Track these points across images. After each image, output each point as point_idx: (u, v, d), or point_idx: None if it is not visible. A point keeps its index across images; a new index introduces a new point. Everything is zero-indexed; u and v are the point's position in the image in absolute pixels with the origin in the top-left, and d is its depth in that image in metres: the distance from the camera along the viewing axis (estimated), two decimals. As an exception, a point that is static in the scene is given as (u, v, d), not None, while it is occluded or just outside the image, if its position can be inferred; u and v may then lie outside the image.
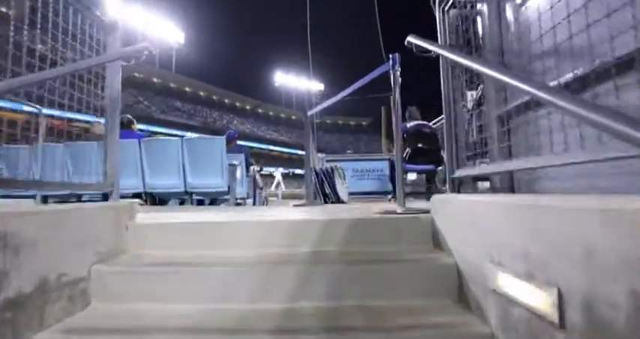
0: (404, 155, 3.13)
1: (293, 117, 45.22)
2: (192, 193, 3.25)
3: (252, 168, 4.20)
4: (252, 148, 35.53)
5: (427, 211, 1.68)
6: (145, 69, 34.10)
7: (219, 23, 43.05)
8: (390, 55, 1.90)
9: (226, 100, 41.57)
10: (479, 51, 1.43)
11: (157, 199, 3.32)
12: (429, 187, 3.52)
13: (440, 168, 3.32)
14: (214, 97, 40.46)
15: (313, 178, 3.25)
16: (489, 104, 1.34)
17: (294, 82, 46.53)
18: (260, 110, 44.87)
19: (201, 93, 39.32)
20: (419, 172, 3.42)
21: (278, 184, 16.73)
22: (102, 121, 1.51)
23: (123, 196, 3.31)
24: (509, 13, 1.27)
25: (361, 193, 4.57)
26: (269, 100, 45.48)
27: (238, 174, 3.40)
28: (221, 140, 3.21)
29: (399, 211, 1.72)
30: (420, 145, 3.21)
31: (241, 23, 47.19)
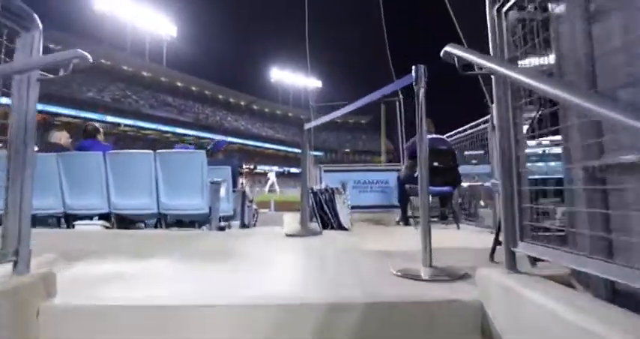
0: (414, 175, 2.65)
1: (290, 114, 44.54)
2: (166, 215, 2.79)
3: (240, 181, 3.74)
4: (246, 145, 34.96)
5: (463, 276, 1.27)
6: (134, 62, 33.10)
7: (213, 16, 42.08)
8: (413, 67, 1.47)
9: (220, 96, 40.66)
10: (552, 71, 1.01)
11: (125, 221, 2.85)
12: (442, 212, 3.10)
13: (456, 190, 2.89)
14: (207, 93, 39.52)
15: (310, 199, 2.82)
16: (573, 153, 0.91)
17: (291, 78, 45.84)
18: (255, 107, 44.05)
19: (194, 88, 38.36)
20: (434, 195, 2.95)
21: (272, 185, 16.15)
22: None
23: (87, 217, 2.89)
24: (612, 20, 0.84)
25: (364, 207, 4.15)
26: (265, 96, 44.70)
27: (223, 192, 2.95)
28: (201, 155, 2.75)
29: (424, 275, 1.29)
30: (435, 163, 2.71)
31: (237, 16, 46.30)
